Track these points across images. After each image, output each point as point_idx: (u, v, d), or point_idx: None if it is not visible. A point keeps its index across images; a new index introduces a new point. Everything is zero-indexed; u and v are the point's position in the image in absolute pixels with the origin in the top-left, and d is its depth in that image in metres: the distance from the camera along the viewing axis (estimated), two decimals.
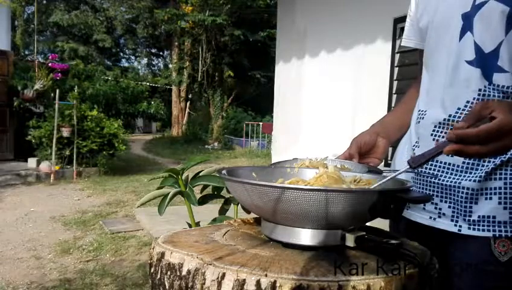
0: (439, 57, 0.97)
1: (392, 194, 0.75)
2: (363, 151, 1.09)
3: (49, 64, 8.23)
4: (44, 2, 21.33)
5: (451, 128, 0.91)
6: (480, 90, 0.88)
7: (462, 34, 0.91)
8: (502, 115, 0.71)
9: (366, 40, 3.79)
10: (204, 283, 0.68)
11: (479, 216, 0.88)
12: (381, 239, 0.77)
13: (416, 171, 0.89)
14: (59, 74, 8.17)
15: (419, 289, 0.72)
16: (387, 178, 0.81)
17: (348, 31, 4.00)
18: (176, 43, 18.72)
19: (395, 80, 3.51)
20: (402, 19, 3.35)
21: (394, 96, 3.50)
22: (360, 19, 3.85)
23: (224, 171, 0.88)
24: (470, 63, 0.90)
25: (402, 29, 3.34)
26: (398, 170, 0.79)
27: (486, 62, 0.88)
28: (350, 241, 0.76)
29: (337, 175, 0.83)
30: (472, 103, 0.89)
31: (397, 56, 3.50)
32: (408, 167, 0.77)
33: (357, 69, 3.89)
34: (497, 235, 0.86)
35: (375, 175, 0.94)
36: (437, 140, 0.94)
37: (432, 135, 0.95)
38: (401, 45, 1.16)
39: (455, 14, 0.92)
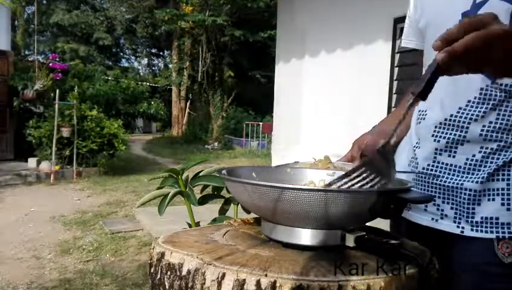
0: None
1: (392, 194, 0.75)
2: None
3: (50, 64, 8.23)
4: (45, 2, 21.34)
5: (451, 129, 0.91)
6: (482, 89, 0.87)
7: None
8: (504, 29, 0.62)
9: (366, 40, 3.79)
10: (204, 283, 0.68)
11: (481, 217, 0.87)
12: (381, 239, 0.77)
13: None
14: (59, 74, 8.17)
15: (419, 289, 0.72)
16: None
17: (348, 31, 4.00)
18: (176, 44, 18.72)
19: (395, 80, 3.51)
20: (402, 19, 3.34)
21: (394, 96, 3.50)
22: (360, 19, 3.85)
23: (224, 171, 0.88)
24: None
25: (402, 29, 3.33)
26: (402, 171, 0.77)
27: None
28: (350, 241, 0.76)
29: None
30: (473, 102, 0.88)
31: (397, 56, 3.50)
32: (413, 96, 0.66)
33: (357, 69, 3.88)
34: (500, 237, 0.85)
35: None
36: (438, 140, 0.93)
37: (432, 135, 0.94)
38: (401, 46, 1.15)
39: (455, 13, 0.91)
